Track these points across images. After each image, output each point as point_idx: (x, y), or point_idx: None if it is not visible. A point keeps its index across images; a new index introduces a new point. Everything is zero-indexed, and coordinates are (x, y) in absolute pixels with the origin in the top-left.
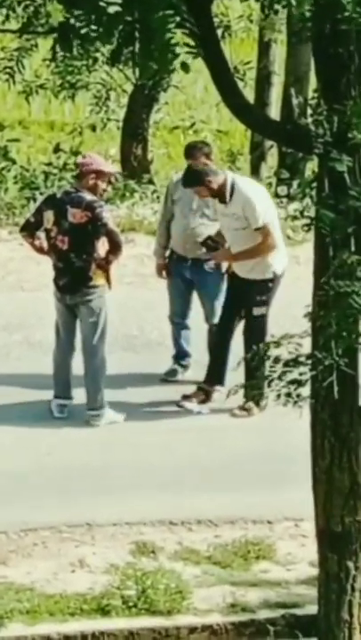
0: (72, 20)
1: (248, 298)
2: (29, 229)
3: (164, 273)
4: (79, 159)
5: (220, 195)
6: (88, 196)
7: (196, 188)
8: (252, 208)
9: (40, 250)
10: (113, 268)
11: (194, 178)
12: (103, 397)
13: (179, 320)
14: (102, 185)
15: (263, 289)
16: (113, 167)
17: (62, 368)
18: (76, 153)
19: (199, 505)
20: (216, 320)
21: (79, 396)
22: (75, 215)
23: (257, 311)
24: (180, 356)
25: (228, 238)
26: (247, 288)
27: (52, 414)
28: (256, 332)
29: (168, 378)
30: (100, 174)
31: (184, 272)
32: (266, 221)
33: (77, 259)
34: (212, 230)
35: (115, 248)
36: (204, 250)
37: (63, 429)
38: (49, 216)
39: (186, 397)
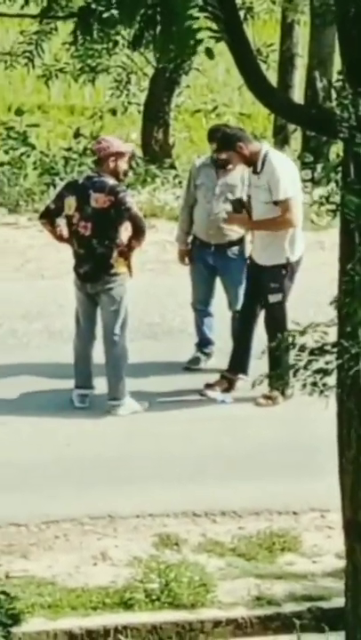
0: (93, 5)
1: (263, 285)
2: (49, 216)
3: (186, 259)
4: (95, 144)
5: (251, 163)
6: (111, 181)
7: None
8: (277, 179)
9: (60, 237)
10: (135, 255)
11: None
12: (124, 387)
13: (202, 307)
14: (123, 166)
15: (276, 275)
16: (130, 146)
17: (83, 357)
18: (96, 138)
19: (223, 496)
20: (239, 307)
21: (100, 385)
22: (97, 200)
23: (273, 298)
24: (203, 343)
25: (255, 211)
26: (262, 274)
27: (73, 404)
28: (274, 319)
29: (191, 366)
30: (119, 155)
31: (207, 258)
32: (288, 196)
33: (100, 245)
34: None
35: (138, 233)
36: (226, 235)
37: (84, 420)
38: (70, 202)
39: (209, 386)
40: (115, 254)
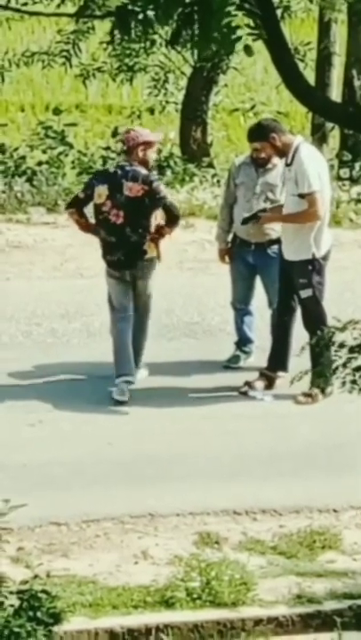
0: (130, 6)
1: (293, 280)
2: (78, 205)
3: (226, 258)
4: (124, 134)
5: (283, 154)
6: (143, 170)
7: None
8: (303, 171)
9: (86, 227)
10: (165, 240)
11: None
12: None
13: (241, 306)
14: (152, 155)
15: (304, 270)
16: (159, 135)
17: (123, 344)
18: None
19: (263, 494)
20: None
21: (140, 385)
22: (131, 189)
23: (304, 293)
24: (243, 342)
25: (286, 204)
26: (291, 270)
27: (114, 401)
28: (309, 315)
29: (230, 364)
30: (148, 145)
31: (247, 257)
32: (313, 189)
33: (133, 233)
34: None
35: (173, 220)
36: (267, 234)
37: (124, 418)
38: (102, 191)
39: (248, 384)
40: (147, 241)
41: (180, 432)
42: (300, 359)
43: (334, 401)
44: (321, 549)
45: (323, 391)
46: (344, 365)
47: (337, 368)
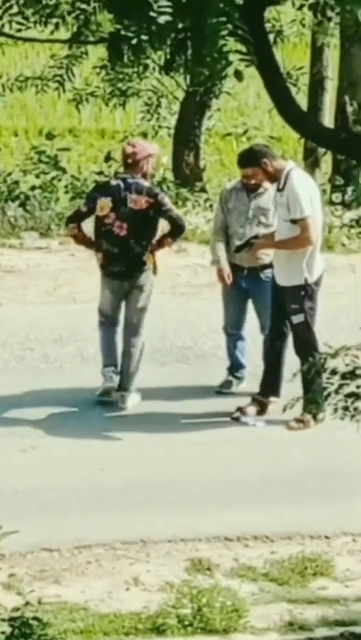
0: (122, 31)
1: (285, 306)
2: (80, 219)
3: (228, 277)
4: (127, 148)
5: (274, 180)
6: (146, 183)
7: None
8: (295, 196)
9: (83, 241)
10: (165, 251)
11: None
12: (136, 379)
13: (233, 331)
14: (151, 167)
15: (296, 296)
16: (156, 147)
17: (110, 340)
18: None
19: (255, 520)
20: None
21: (133, 410)
22: (136, 201)
23: (295, 319)
24: (235, 367)
25: (278, 229)
26: (283, 295)
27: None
28: (300, 340)
29: (223, 390)
30: (150, 157)
31: (240, 282)
32: (305, 215)
33: (137, 244)
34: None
35: (178, 232)
36: (260, 258)
37: (117, 443)
38: (104, 203)
39: (241, 410)
40: (147, 252)
41: (172, 458)
42: (292, 385)
43: (326, 427)
44: (313, 576)
45: (315, 417)
46: (336, 392)
47: (329, 394)
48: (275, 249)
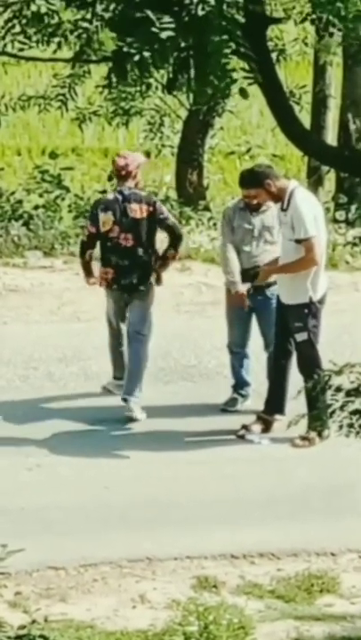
0: (125, 48)
1: (289, 324)
2: (94, 242)
3: (247, 301)
4: (120, 161)
5: (278, 200)
6: (141, 192)
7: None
8: (299, 216)
9: (87, 266)
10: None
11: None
12: (142, 385)
13: (238, 349)
14: (140, 175)
15: (300, 314)
16: (141, 155)
17: (119, 352)
18: None
19: (261, 537)
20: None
21: (137, 429)
22: (136, 211)
23: (299, 337)
24: (240, 385)
25: (283, 249)
26: (287, 313)
27: (111, 447)
28: (304, 358)
29: (228, 408)
30: (140, 167)
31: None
32: (310, 235)
33: (144, 253)
34: (275, 255)
35: (177, 240)
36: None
37: (122, 462)
38: (106, 219)
39: (246, 427)
40: (154, 260)
41: (178, 476)
42: (296, 402)
43: (331, 444)
44: (319, 593)
45: (319, 434)
46: (341, 409)
47: (334, 411)
48: (282, 270)
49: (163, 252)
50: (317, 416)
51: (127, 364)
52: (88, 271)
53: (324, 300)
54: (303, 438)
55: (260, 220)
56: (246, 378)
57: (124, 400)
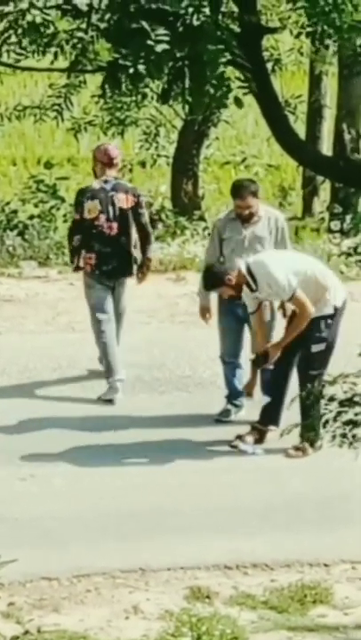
0: (120, 60)
1: (309, 336)
2: (81, 228)
3: (208, 315)
4: (114, 151)
5: (242, 286)
6: (126, 183)
7: (220, 289)
8: (275, 281)
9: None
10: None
11: (214, 280)
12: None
13: (231, 359)
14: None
15: (323, 325)
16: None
17: (113, 347)
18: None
19: (254, 548)
20: None
21: (131, 439)
22: (123, 201)
23: (316, 348)
24: (233, 395)
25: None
26: (309, 326)
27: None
28: (310, 369)
29: (222, 418)
30: (118, 155)
31: (237, 310)
32: (293, 289)
33: (126, 242)
34: None
35: (147, 240)
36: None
37: (115, 472)
38: (91, 206)
39: (240, 438)
40: (136, 252)
41: (171, 486)
42: (290, 412)
43: (325, 454)
44: (312, 604)
45: (312, 445)
46: (335, 419)
47: (327, 421)
48: (287, 339)
49: (140, 263)
50: (310, 426)
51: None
52: (75, 256)
53: (344, 308)
54: (296, 448)
55: (252, 232)
56: (239, 388)
57: (116, 381)
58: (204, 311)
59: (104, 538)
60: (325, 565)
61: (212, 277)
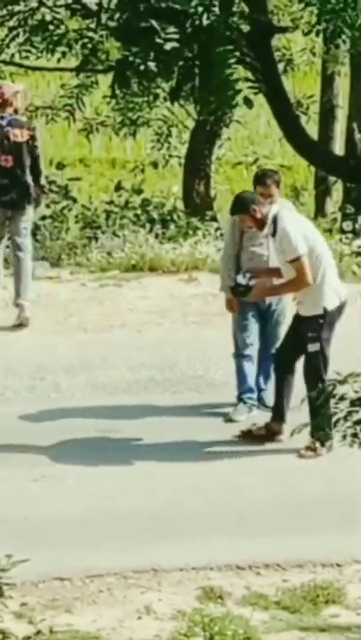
0: (130, 58)
1: (303, 334)
2: None
3: (234, 307)
4: (1, 92)
5: (263, 223)
6: (22, 117)
7: (241, 216)
8: (286, 238)
9: None
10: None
11: (241, 205)
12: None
13: (247, 352)
14: (20, 103)
15: (314, 325)
16: (22, 85)
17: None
18: (137, 191)
19: (267, 549)
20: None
21: (143, 440)
22: (18, 135)
23: (311, 347)
24: (245, 392)
25: (284, 272)
26: (301, 324)
27: (116, 457)
28: (310, 369)
29: (233, 418)
30: (17, 94)
31: (254, 306)
32: (299, 254)
33: (22, 174)
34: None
35: (37, 169)
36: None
37: (127, 473)
38: None
39: (247, 434)
40: (33, 183)
41: (183, 487)
42: (301, 413)
43: (337, 455)
44: (325, 604)
45: (322, 444)
46: (345, 418)
47: (338, 421)
48: (274, 292)
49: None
50: (320, 425)
51: (15, 270)
52: None
53: (343, 310)
54: (308, 448)
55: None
56: (252, 386)
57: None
58: (230, 303)
59: (116, 538)
60: (338, 565)
61: (240, 201)
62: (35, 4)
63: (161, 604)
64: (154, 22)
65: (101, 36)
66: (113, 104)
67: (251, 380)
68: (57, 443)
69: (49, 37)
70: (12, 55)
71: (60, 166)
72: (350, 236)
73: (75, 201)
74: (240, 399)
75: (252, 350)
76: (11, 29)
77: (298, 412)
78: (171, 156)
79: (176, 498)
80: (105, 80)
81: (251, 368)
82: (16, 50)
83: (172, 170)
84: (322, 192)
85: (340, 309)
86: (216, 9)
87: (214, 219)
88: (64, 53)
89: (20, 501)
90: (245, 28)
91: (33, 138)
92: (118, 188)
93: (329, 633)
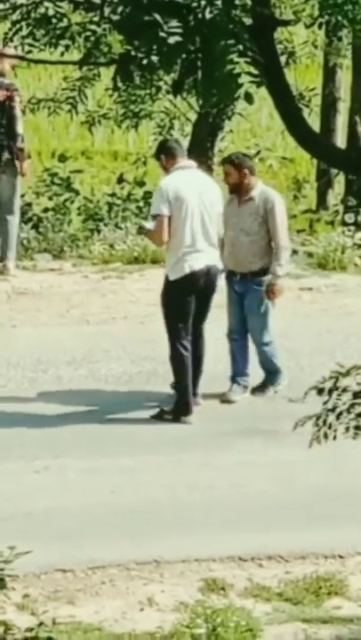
0: (133, 51)
1: None
2: None
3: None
4: None
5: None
6: (3, 79)
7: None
8: (155, 195)
9: None
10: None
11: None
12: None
13: (236, 336)
14: (5, 66)
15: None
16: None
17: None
18: (140, 183)
19: (269, 540)
20: (263, 337)
21: (144, 432)
22: None
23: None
24: (239, 374)
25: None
26: None
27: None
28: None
29: (227, 399)
30: (1, 57)
31: (234, 286)
32: (154, 212)
33: (2, 133)
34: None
35: (13, 131)
36: (248, 266)
37: (129, 465)
38: None
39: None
40: (13, 145)
41: (185, 479)
42: (307, 405)
43: (340, 447)
44: (327, 595)
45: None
46: (348, 411)
47: (341, 413)
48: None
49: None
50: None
51: (2, 232)
52: None
53: (202, 281)
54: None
55: (244, 209)
56: (245, 367)
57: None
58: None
59: (119, 530)
60: (340, 557)
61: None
62: None
63: (163, 596)
64: (157, 16)
65: (104, 29)
66: (115, 97)
67: (243, 362)
68: (60, 435)
69: (52, 31)
70: (15, 47)
71: (63, 159)
72: (352, 228)
73: (77, 193)
74: (233, 380)
75: (240, 333)
76: (14, 23)
77: (302, 403)
78: None
79: (178, 489)
80: (107, 73)
81: (242, 350)
82: (19, 43)
83: None
84: (324, 184)
85: (192, 280)
86: (219, 2)
87: None
88: (67, 47)
89: (23, 493)
90: (248, 21)
91: (10, 98)
92: (120, 180)
93: (331, 624)
